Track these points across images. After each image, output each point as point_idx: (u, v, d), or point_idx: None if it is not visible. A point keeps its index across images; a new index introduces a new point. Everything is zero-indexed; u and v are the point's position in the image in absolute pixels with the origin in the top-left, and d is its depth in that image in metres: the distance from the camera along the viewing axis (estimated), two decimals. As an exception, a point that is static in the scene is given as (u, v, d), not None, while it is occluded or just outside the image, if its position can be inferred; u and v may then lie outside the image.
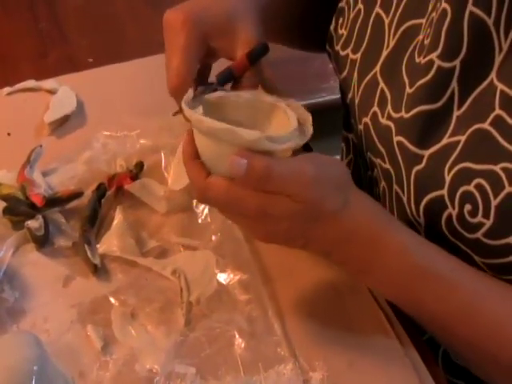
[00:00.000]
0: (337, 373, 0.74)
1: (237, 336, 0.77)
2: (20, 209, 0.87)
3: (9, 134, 1.00)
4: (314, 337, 0.77)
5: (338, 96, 0.94)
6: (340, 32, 0.87)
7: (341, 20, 0.87)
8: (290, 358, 0.75)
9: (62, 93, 1.05)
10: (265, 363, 0.75)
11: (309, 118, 0.71)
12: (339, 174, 0.70)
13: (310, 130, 0.70)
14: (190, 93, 0.72)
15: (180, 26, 0.78)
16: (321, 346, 0.76)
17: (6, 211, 0.87)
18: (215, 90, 0.76)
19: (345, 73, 0.85)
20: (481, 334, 0.69)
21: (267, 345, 0.76)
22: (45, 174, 0.94)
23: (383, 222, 0.71)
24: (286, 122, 0.71)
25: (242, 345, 0.76)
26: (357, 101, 0.82)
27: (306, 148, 0.84)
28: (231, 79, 0.78)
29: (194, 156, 0.70)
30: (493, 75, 0.69)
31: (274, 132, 0.72)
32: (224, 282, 0.82)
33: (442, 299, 0.70)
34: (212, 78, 0.82)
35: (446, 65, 0.71)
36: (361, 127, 0.82)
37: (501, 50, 0.69)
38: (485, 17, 0.69)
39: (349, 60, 0.84)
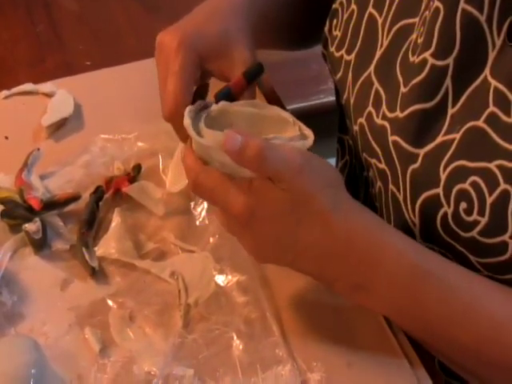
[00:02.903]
0: (335, 374, 0.73)
1: (235, 338, 0.77)
2: (18, 212, 0.87)
3: (6, 138, 1.00)
4: (312, 338, 0.77)
5: (334, 98, 0.94)
6: (334, 33, 0.87)
7: (335, 21, 0.87)
8: (288, 359, 0.74)
9: (59, 96, 1.05)
10: (263, 365, 0.74)
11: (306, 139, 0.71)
12: (331, 173, 0.69)
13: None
14: (191, 107, 0.72)
15: (175, 50, 0.79)
16: (319, 347, 0.76)
17: (3, 215, 0.87)
18: None
19: (340, 74, 0.85)
20: (483, 337, 0.68)
21: (265, 346, 0.76)
22: (42, 178, 0.94)
23: (378, 228, 0.70)
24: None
25: (240, 346, 0.76)
26: (352, 101, 0.82)
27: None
28: (229, 98, 0.78)
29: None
30: (486, 72, 0.69)
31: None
32: (222, 284, 0.82)
33: (443, 302, 0.68)
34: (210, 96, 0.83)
35: (440, 63, 0.71)
36: (356, 128, 0.82)
37: (494, 46, 0.69)
38: (477, 14, 0.69)
39: (343, 61, 0.84)
